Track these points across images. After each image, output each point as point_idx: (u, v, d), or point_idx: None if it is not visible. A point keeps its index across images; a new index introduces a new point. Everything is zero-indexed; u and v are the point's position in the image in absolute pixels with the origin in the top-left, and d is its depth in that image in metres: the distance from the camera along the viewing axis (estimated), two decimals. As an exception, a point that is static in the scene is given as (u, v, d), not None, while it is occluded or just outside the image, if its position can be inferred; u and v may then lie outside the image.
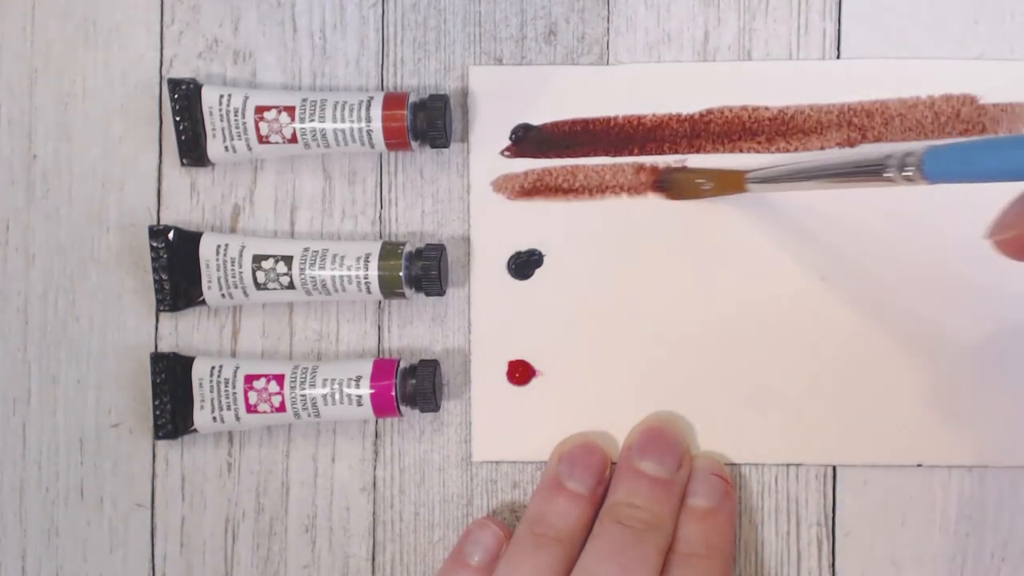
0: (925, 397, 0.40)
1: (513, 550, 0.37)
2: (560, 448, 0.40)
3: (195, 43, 0.41)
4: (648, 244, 0.40)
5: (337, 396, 0.39)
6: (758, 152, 0.40)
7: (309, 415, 0.39)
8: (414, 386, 0.39)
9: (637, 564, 0.35)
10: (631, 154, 0.40)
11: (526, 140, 0.41)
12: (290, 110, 0.39)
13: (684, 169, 0.40)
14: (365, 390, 0.39)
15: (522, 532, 0.37)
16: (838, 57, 0.40)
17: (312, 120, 0.39)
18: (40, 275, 0.42)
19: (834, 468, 0.40)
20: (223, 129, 0.39)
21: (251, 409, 0.39)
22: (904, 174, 0.30)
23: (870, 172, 0.32)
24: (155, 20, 0.42)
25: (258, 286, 0.39)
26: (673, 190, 0.40)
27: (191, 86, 0.40)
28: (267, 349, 0.41)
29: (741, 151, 0.40)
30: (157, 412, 0.40)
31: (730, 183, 0.39)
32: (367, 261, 0.39)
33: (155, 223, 0.41)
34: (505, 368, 0.41)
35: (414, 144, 0.39)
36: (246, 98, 0.39)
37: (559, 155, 0.41)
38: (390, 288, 0.39)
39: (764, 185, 0.38)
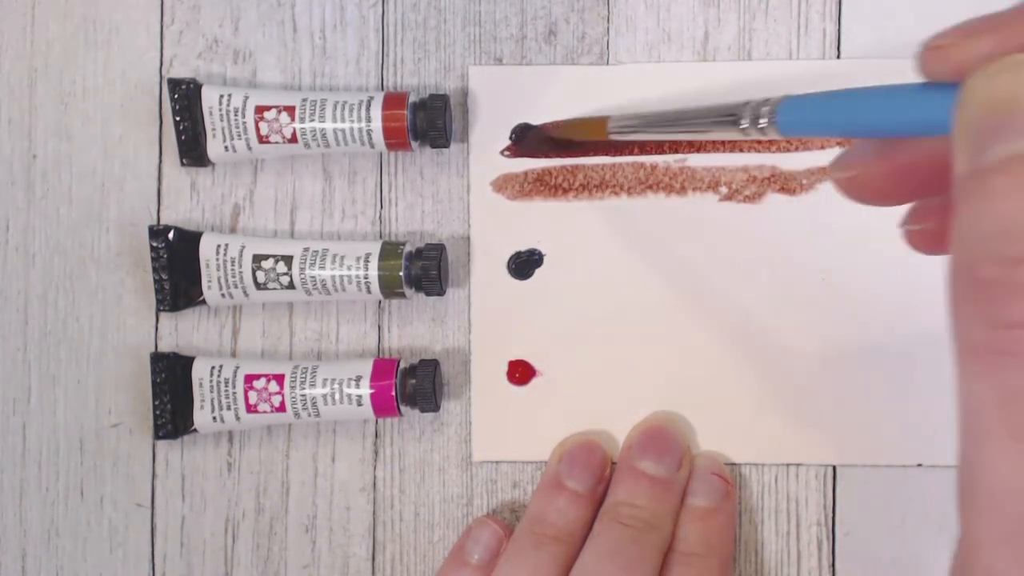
0: (925, 397, 0.40)
1: (513, 549, 0.37)
2: (560, 447, 0.40)
3: (195, 43, 0.41)
4: (648, 244, 0.40)
5: (337, 396, 0.39)
6: (758, 152, 0.40)
7: (309, 415, 0.39)
8: (414, 386, 0.39)
9: (636, 563, 0.35)
10: (631, 154, 0.40)
11: (526, 140, 0.41)
12: (290, 110, 0.39)
13: (555, 124, 0.40)
14: (365, 390, 0.39)
15: (522, 531, 0.37)
16: (838, 57, 0.40)
17: (312, 120, 0.39)
18: (40, 275, 0.42)
19: (834, 468, 0.40)
20: (223, 129, 0.39)
21: (251, 409, 0.39)
22: (758, 126, 0.29)
23: (726, 123, 0.31)
24: (155, 20, 0.42)
25: (258, 286, 0.39)
26: (527, 145, 0.40)
27: (191, 86, 0.40)
28: (267, 349, 0.41)
29: (741, 151, 0.40)
30: (157, 412, 0.40)
31: (593, 130, 0.39)
32: (367, 261, 0.39)
33: (155, 223, 0.41)
34: (505, 368, 0.41)
35: (414, 144, 0.39)
36: (246, 98, 0.39)
37: (559, 155, 0.41)
38: (390, 288, 0.39)
39: (625, 133, 0.37)
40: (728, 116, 0.31)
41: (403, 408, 0.39)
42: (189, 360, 0.40)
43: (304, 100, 0.39)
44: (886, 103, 0.25)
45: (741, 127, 0.30)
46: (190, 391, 0.39)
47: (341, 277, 0.39)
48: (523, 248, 0.41)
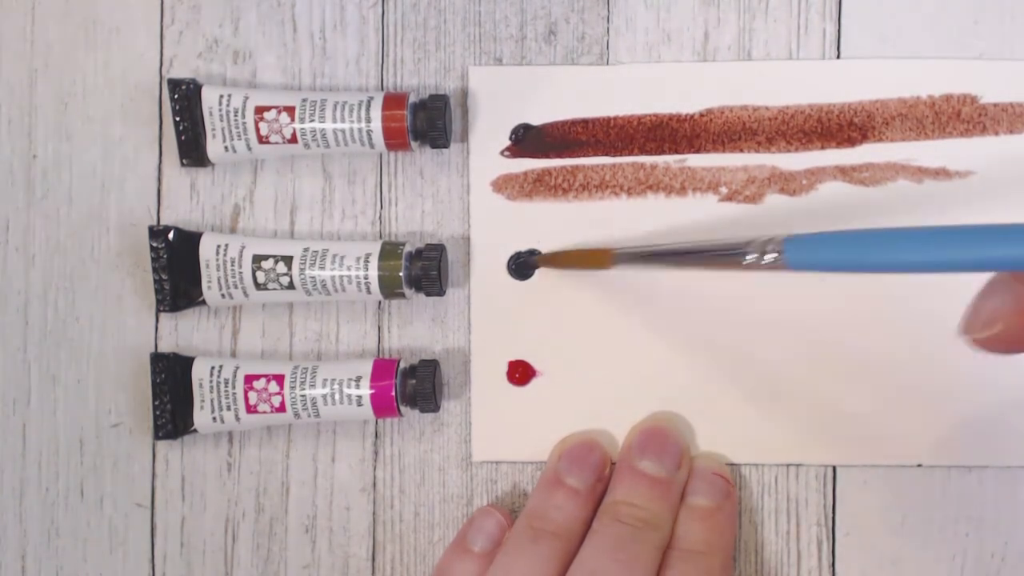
0: (925, 397, 0.40)
1: (511, 542, 0.37)
2: (560, 446, 0.40)
3: (195, 43, 0.41)
4: (647, 244, 0.40)
5: (337, 396, 0.39)
6: (758, 152, 0.40)
7: (309, 415, 0.39)
8: (414, 386, 0.39)
9: (636, 560, 0.35)
10: (631, 154, 0.40)
11: (526, 140, 0.41)
12: (290, 110, 0.39)
13: (554, 255, 0.40)
14: (365, 390, 0.39)
15: (520, 526, 0.37)
16: (838, 57, 0.40)
17: (312, 120, 0.39)
18: (40, 275, 0.42)
19: (834, 468, 0.40)
20: (223, 129, 0.39)
21: (251, 409, 0.39)
22: (765, 261, 0.30)
23: (731, 258, 0.31)
24: (155, 20, 0.42)
25: (258, 286, 0.39)
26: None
27: (191, 86, 0.40)
28: (267, 349, 0.41)
29: (741, 151, 0.40)
30: (157, 412, 0.40)
31: (597, 260, 0.39)
32: (367, 261, 0.39)
33: (155, 223, 0.41)
34: (505, 368, 0.41)
35: (414, 144, 0.39)
36: (246, 98, 0.39)
37: (559, 155, 0.41)
38: (390, 288, 0.39)
39: (629, 264, 0.38)
40: (733, 253, 0.31)
41: (403, 408, 0.39)
42: (189, 360, 0.40)
43: (304, 100, 0.39)
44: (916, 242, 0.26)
45: (746, 263, 0.30)
46: (190, 391, 0.39)
47: (341, 277, 0.39)
48: (523, 248, 0.41)
